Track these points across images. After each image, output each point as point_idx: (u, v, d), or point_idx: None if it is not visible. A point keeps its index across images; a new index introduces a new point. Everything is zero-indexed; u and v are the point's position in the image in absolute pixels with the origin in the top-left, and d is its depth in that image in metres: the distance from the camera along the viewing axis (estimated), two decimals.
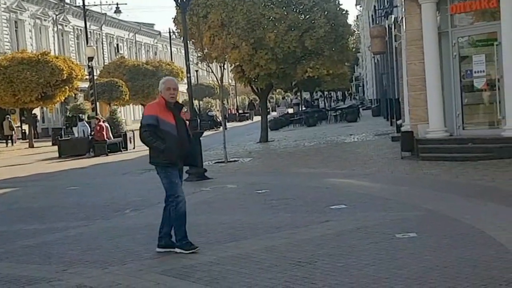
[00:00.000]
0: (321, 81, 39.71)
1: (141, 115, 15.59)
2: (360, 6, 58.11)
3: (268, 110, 35.86)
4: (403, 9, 16.66)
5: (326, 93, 64.88)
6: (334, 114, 40.80)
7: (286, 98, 74.56)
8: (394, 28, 22.18)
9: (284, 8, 22.54)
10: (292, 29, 21.96)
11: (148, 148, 7.45)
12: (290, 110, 51.76)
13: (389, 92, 29.22)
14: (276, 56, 22.17)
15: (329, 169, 15.44)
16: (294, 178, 13.98)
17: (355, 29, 53.59)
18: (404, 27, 16.86)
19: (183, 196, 7.43)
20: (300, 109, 49.32)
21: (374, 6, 35.47)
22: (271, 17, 22.07)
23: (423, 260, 6.31)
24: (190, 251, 7.27)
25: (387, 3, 25.10)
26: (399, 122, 21.75)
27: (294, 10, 22.95)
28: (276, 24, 21.97)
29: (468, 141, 14.98)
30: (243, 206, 10.70)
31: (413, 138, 15.90)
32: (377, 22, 29.39)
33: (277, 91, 64.20)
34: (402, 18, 17.37)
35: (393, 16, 22.58)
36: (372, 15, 37.29)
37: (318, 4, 22.63)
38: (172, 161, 7.31)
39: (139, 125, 7.48)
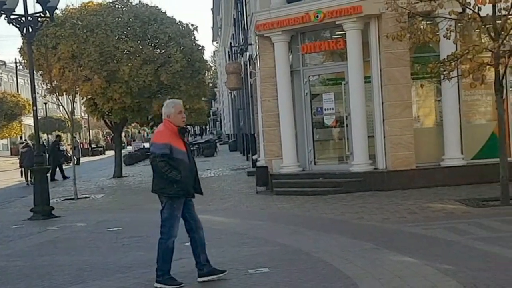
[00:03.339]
0: None
1: None
2: (217, 42, 58.99)
3: (123, 144, 35.17)
4: (257, 47, 17.04)
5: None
6: (191, 148, 40.48)
7: (142, 132, 73.69)
8: (249, 65, 22.61)
9: (139, 41, 22.33)
10: (148, 63, 21.75)
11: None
12: (146, 145, 51.14)
13: (245, 127, 29.67)
14: (131, 89, 21.85)
15: None
16: (148, 214, 13.61)
17: (212, 65, 54.32)
18: (258, 65, 17.23)
19: (175, 235, 7.01)
20: None
21: (230, 43, 36.11)
22: (126, 50, 21.76)
23: None
24: (174, 287, 6.85)
25: (242, 41, 25.58)
26: (254, 157, 22.06)
27: (150, 44, 22.81)
28: (131, 57, 21.68)
29: (319, 175, 15.44)
30: (93, 245, 10.25)
31: (268, 173, 16.15)
32: (233, 58, 29.88)
33: (133, 125, 63.31)
34: (256, 55, 17.74)
35: (248, 53, 23.03)
36: (228, 52, 37.92)
37: (174, 39, 22.63)
38: (188, 191, 6.88)
39: (149, 153, 6.82)
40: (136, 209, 14.99)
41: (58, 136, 30.37)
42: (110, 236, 10.95)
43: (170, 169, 6.73)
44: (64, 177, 26.25)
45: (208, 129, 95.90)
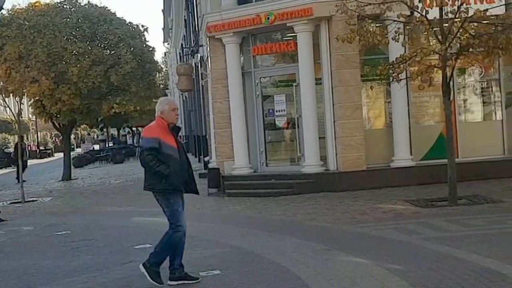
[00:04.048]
0: (129, 117, 39.27)
1: None
2: (168, 44, 58.56)
3: (72, 146, 34.64)
4: (208, 49, 16.97)
5: (134, 129, 64.25)
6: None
7: (91, 134, 72.74)
8: (201, 67, 22.52)
9: (88, 42, 22.04)
10: (97, 64, 21.48)
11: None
12: (96, 147, 50.50)
13: (197, 129, 29.54)
14: (80, 91, 21.54)
15: (135, 207, 15.11)
16: (98, 217, 13.49)
17: (163, 66, 53.95)
18: (209, 66, 17.17)
19: (185, 227, 6.86)
20: (107, 145, 48.29)
21: (182, 44, 35.90)
22: (74, 51, 21.46)
23: None
24: (154, 282, 6.70)
25: (193, 42, 25.45)
26: (206, 159, 21.98)
27: (99, 45, 22.54)
28: (80, 58, 21.37)
29: (271, 177, 15.47)
30: (40, 249, 10.05)
31: (220, 175, 16.09)
32: (184, 60, 29.70)
33: (82, 126, 62.45)
34: (207, 57, 17.68)
35: (199, 55, 22.93)
36: (179, 53, 37.70)
37: (124, 40, 22.40)
38: (177, 187, 6.72)
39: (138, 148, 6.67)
40: (86, 212, 14.77)
41: (22, 138, 29.92)
42: (59, 240, 10.76)
43: (158, 163, 6.64)
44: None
45: None
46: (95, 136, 66.54)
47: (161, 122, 6.86)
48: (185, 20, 31.91)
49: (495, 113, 15.98)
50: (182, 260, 6.99)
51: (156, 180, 6.74)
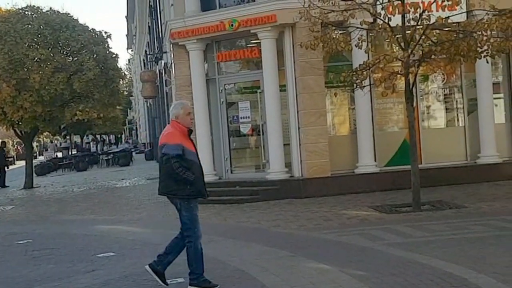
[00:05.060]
0: (92, 124, 38.89)
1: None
2: (132, 50, 58.25)
3: (35, 154, 34.16)
4: (172, 55, 16.89)
5: (98, 136, 63.68)
6: (106, 158, 40.05)
7: (54, 141, 71.81)
8: (165, 73, 22.43)
9: (50, 49, 21.72)
10: (59, 71, 21.18)
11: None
12: (59, 154, 49.85)
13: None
14: (42, 98, 21.22)
15: (98, 215, 14.94)
16: (61, 226, 13.29)
17: (126, 73, 53.60)
18: (173, 73, 17.08)
19: (201, 232, 6.87)
20: (70, 153, 47.71)
21: (145, 51, 35.73)
22: (36, 58, 21.12)
23: None
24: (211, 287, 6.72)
25: (157, 49, 25.34)
26: None
27: (61, 51, 22.24)
28: (42, 65, 21.06)
29: (236, 184, 15.43)
30: (1, 259, 9.85)
31: None
32: (149, 66, 29.56)
33: (45, 134, 61.65)
34: (171, 63, 17.60)
35: (163, 62, 22.84)
36: (143, 60, 37.48)
37: (87, 47, 22.16)
38: (201, 192, 6.73)
39: (161, 155, 6.64)
40: (48, 221, 14.55)
41: (3, 143, 29.98)
42: (20, 249, 10.57)
43: (184, 169, 6.61)
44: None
45: (123, 138, 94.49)
46: (58, 144, 65.69)
47: (179, 126, 6.81)
48: (149, 26, 31.79)
49: (458, 119, 16.22)
50: (172, 262, 7.06)
51: (181, 186, 6.70)
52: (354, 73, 12.24)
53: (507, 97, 16.10)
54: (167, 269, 7.08)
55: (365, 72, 11.97)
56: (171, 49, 16.98)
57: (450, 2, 11.02)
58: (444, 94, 16.12)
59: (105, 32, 23.67)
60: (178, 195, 6.78)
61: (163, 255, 7.06)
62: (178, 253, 7.05)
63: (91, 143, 62.98)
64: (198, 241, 6.84)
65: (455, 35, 11.36)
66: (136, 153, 49.54)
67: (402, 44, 11.47)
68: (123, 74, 27.73)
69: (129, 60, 77.39)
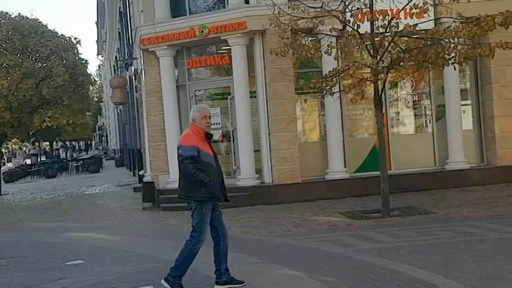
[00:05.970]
0: (62, 130, 38.54)
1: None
2: (102, 56, 57.86)
3: (3, 161, 33.69)
4: (142, 62, 16.81)
5: (67, 143, 63.04)
6: (76, 164, 39.70)
7: (23, 148, 70.94)
8: (135, 79, 22.29)
9: (18, 55, 21.53)
10: (28, 77, 20.99)
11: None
12: (28, 161, 49.24)
13: (132, 142, 29.18)
14: (10, 104, 20.99)
15: (67, 222, 14.81)
16: (28, 234, 13.12)
17: (96, 79, 53.19)
18: (143, 79, 17.00)
19: (205, 238, 6.86)
20: (39, 159, 47.16)
21: (116, 57, 35.48)
22: (4, 64, 20.93)
23: None
24: None
25: (127, 55, 25.18)
26: (141, 172, 21.72)
27: (30, 57, 22.07)
28: (10, 71, 20.87)
29: None
30: None
31: (155, 189, 15.91)
32: (119, 72, 29.35)
33: (14, 140, 60.86)
34: (141, 70, 17.51)
35: (133, 68, 22.69)
36: (113, 66, 37.25)
37: (56, 53, 21.98)
38: (215, 195, 6.71)
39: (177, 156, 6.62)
40: (15, 228, 14.37)
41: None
42: None
43: (199, 171, 6.62)
44: None
45: (93, 145, 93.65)
46: (27, 151, 64.87)
47: (196, 129, 6.90)
48: (119, 32, 31.57)
49: (426, 126, 16.39)
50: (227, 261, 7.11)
51: (196, 189, 6.74)
52: (324, 79, 12.30)
53: (475, 103, 16.31)
54: (133, 279, 7.00)
55: (334, 79, 12.05)
56: (141, 55, 16.89)
57: (418, 10, 11.14)
58: (413, 101, 16.29)
59: (75, 38, 23.59)
60: (192, 198, 6.82)
61: (218, 269, 7.09)
62: (225, 253, 7.11)
63: (60, 150, 62.35)
64: (198, 246, 6.90)
65: (423, 42, 11.51)
66: (106, 159, 49.18)
67: (371, 51, 11.56)
68: (93, 80, 27.60)
69: (99, 66, 76.81)
